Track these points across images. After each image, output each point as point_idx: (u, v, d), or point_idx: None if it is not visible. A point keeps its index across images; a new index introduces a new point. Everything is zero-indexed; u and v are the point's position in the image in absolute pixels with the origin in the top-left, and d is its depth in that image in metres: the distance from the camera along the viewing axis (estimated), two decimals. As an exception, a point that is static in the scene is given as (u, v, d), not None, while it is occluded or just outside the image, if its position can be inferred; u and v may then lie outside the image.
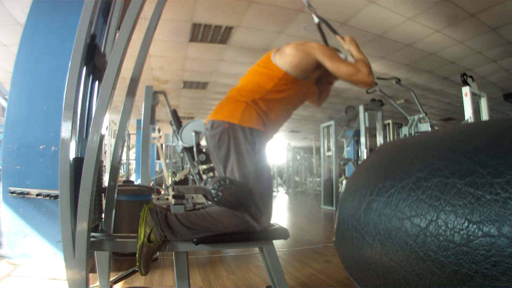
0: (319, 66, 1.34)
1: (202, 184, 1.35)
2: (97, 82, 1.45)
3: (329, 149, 6.63)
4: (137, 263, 1.14)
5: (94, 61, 1.30)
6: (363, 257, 0.86)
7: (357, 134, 6.81)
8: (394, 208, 0.78)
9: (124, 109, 1.48)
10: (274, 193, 11.12)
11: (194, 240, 1.18)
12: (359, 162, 5.70)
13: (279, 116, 1.38)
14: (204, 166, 3.82)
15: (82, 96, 1.27)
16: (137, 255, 1.14)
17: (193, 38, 4.57)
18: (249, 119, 1.27)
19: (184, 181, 5.61)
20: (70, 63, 1.15)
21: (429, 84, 6.45)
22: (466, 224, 0.65)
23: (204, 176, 3.71)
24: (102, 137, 1.16)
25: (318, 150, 10.16)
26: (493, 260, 0.60)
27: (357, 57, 1.37)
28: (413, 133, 5.05)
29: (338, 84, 6.75)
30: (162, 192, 6.79)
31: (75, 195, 1.11)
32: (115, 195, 1.46)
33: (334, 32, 1.52)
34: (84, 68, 1.24)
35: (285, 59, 1.33)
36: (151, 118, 4.22)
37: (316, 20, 1.57)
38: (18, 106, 2.16)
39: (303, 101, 1.50)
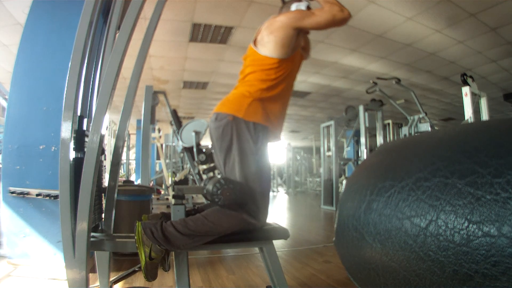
0: (298, 32, 1.34)
1: (201, 184, 1.35)
2: (98, 78, 1.45)
3: (329, 149, 6.62)
4: (145, 278, 1.15)
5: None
6: (363, 257, 0.86)
7: (357, 134, 6.80)
8: (394, 208, 0.78)
9: (124, 109, 1.48)
10: (274, 193, 11.12)
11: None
12: (359, 162, 5.70)
13: (285, 97, 1.39)
14: (204, 166, 3.82)
15: (83, 92, 1.27)
16: (143, 275, 1.15)
17: (193, 38, 4.57)
18: (254, 114, 1.27)
19: (184, 181, 5.60)
20: (71, 60, 1.15)
21: (429, 84, 6.45)
22: (466, 224, 0.65)
23: (204, 176, 3.71)
24: (102, 137, 1.16)
25: (318, 150, 10.16)
26: (493, 260, 0.60)
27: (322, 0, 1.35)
28: (413, 133, 5.05)
29: (338, 84, 6.70)
30: (162, 192, 6.79)
31: (75, 195, 1.11)
32: (115, 195, 1.46)
33: None
34: (86, 62, 1.24)
35: (269, 47, 1.32)
36: (151, 118, 4.22)
37: None
38: (18, 106, 2.16)
39: (299, 68, 1.50)
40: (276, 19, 1.34)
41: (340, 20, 1.29)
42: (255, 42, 1.38)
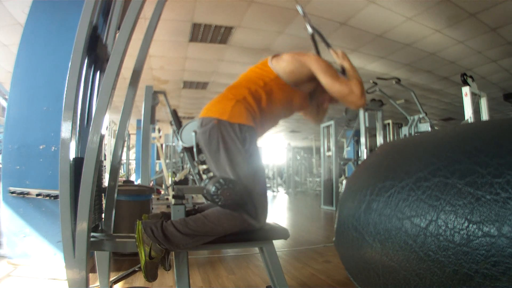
0: (313, 78, 1.35)
1: (202, 185, 1.35)
2: (98, 78, 1.45)
3: (329, 149, 6.63)
4: (144, 278, 1.15)
5: (96, 52, 1.30)
6: (363, 257, 0.86)
7: (357, 134, 6.81)
8: (394, 208, 0.78)
9: (124, 109, 1.48)
10: (274, 193, 11.12)
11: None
12: (359, 162, 5.70)
13: (269, 115, 1.38)
14: (204, 166, 3.82)
15: (83, 92, 1.27)
16: (143, 274, 1.15)
17: (193, 38, 4.57)
18: (239, 115, 1.27)
19: (184, 181, 5.61)
20: (71, 60, 1.15)
21: (429, 84, 6.45)
22: (466, 224, 0.65)
23: (204, 176, 3.71)
24: (102, 137, 1.16)
25: (318, 150, 10.15)
26: (493, 260, 0.60)
27: (351, 75, 1.36)
28: (413, 133, 5.05)
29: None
30: (162, 192, 6.79)
31: (75, 195, 1.11)
32: (115, 195, 1.46)
33: (328, 45, 1.51)
34: (86, 62, 1.24)
35: (280, 64, 1.36)
36: (151, 118, 4.22)
37: (310, 31, 1.56)
38: (18, 106, 2.16)
39: (294, 110, 1.50)
40: (309, 54, 1.36)
41: (352, 102, 1.31)
42: (276, 55, 1.41)
